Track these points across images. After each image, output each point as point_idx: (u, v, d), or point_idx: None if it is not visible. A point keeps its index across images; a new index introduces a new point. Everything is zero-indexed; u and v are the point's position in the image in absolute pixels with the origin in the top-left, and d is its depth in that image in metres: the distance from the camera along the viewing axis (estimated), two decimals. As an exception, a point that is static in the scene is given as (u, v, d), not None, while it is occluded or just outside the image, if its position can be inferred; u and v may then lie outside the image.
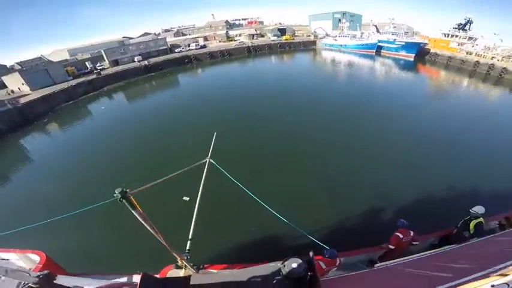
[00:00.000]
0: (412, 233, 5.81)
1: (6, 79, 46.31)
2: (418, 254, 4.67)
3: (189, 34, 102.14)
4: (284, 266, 2.83)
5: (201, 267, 5.69)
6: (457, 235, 6.11)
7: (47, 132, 32.23)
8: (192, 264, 5.42)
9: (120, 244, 11.62)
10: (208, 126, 21.91)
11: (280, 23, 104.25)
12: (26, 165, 23.49)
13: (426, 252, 4.83)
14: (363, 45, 53.45)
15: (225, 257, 10.39)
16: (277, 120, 24.50)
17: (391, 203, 12.59)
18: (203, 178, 6.38)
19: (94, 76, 51.04)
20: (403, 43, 45.34)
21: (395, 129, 20.61)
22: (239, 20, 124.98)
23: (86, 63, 58.68)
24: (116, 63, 60.86)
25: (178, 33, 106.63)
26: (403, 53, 46.15)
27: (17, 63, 53.19)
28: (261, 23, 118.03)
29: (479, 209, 5.78)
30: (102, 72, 53.28)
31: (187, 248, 5.51)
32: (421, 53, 44.14)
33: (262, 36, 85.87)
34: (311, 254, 2.97)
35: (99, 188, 15.03)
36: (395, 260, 4.37)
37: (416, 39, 45.22)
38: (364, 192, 13.52)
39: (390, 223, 10.64)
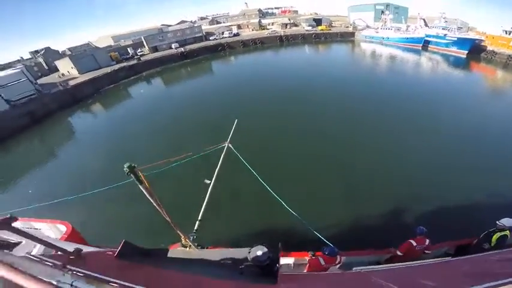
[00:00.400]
0: (427, 241, 5.49)
1: (58, 63, 51.16)
2: (409, 263, 4.26)
3: (223, 22, 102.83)
4: (250, 252, 2.82)
5: (205, 247, 5.79)
6: (476, 246, 5.75)
7: (91, 111, 35.17)
8: (196, 244, 5.51)
9: (137, 222, 11.99)
10: (233, 112, 21.80)
11: (315, 13, 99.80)
12: (71, 140, 25.82)
13: (419, 262, 4.35)
14: (407, 38, 49.68)
15: (232, 240, 10.40)
16: (304, 112, 23.52)
17: (410, 206, 11.73)
18: (220, 162, 6.64)
19: (134, 61, 54.04)
20: (455, 38, 41.15)
21: (436, 128, 18.68)
22: (272, 8, 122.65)
23: (128, 49, 61.87)
24: (155, 49, 63.34)
25: (213, 21, 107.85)
26: (454, 49, 41.91)
27: (68, 48, 57.41)
28: (295, 12, 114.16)
29: (507, 221, 5.35)
30: (142, 58, 56.08)
31: (195, 228, 5.79)
32: (475, 50, 39.69)
33: (296, 25, 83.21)
34: (280, 245, 2.96)
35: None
36: (380, 266, 4.09)
37: (471, 35, 40.96)
38: (383, 193, 12.67)
39: (403, 227, 10.25)
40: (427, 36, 46.33)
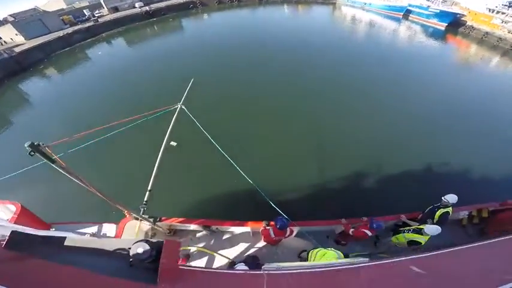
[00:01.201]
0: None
1: None
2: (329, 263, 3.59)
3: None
4: (130, 248, 2.61)
5: (158, 219, 6.05)
6: (420, 221, 6.07)
7: (44, 76, 32.26)
8: (148, 216, 5.74)
9: (91, 195, 10.71)
10: (198, 74, 20.19)
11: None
12: (23, 108, 23.79)
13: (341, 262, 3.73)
14: (390, 6, 48.72)
15: (185, 211, 9.98)
16: (274, 73, 22.71)
17: (372, 179, 11.60)
18: (171, 125, 6.26)
19: (91, 23, 48.01)
20: (437, 11, 40.96)
21: (404, 96, 18.54)
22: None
23: (84, 11, 54.80)
24: (115, 9, 56.02)
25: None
26: (434, 20, 42.19)
27: (9, 15, 49.65)
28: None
29: (451, 198, 5.62)
30: (99, 19, 50.08)
31: (145, 199, 5.54)
32: (454, 24, 40.08)
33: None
34: (164, 241, 2.68)
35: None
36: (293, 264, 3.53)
37: (453, 9, 40.47)
38: (348, 164, 12.28)
39: (362, 197, 10.35)
40: (409, 5, 46.00)
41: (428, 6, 42.35)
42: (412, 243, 5.46)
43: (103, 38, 45.40)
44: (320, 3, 60.46)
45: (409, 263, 3.14)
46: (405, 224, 6.22)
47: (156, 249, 2.58)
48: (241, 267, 4.31)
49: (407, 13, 47.05)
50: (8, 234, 2.48)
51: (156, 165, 5.75)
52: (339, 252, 4.25)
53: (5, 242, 2.55)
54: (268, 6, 58.86)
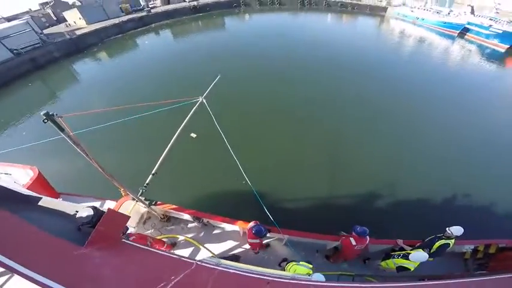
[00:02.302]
0: (367, 240, 5.39)
1: (66, 14, 50.30)
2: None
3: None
4: (77, 211, 2.83)
5: (153, 203, 6.39)
6: (417, 248, 5.72)
7: (95, 59, 35.92)
8: (144, 198, 6.07)
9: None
10: (231, 72, 22.08)
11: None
12: (73, 85, 26.87)
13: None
14: (445, 23, 44.50)
15: (182, 200, 9.87)
16: (302, 82, 22.26)
17: (378, 200, 11.18)
18: (188, 116, 6.48)
19: (144, 13, 51.94)
20: (500, 31, 36.41)
21: (440, 118, 17.08)
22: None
23: (140, 0, 59.26)
24: (167, 1, 59.73)
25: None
26: (494, 41, 37.51)
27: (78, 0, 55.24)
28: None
29: (456, 230, 5.29)
30: (152, 10, 53.94)
31: (147, 181, 5.91)
32: None
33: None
34: (107, 209, 2.87)
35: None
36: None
37: None
38: (356, 181, 11.93)
39: (362, 219, 9.60)
40: (468, 23, 41.73)
41: (490, 25, 38.18)
42: (400, 268, 5.36)
43: (152, 28, 48.81)
44: (367, 15, 57.61)
45: None
46: (402, 250, 5.98)
47: (98, 217, 2.69)
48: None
49: (463, 31, 42.96)
50: None
51: (166, 151, 6.00)
52: (310, 267, 4.19)
53: None
54: (310, 13, 57.75)
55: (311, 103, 18.95)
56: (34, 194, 3.77)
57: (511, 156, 13.81)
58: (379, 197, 11.12)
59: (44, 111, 2.95)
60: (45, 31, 44.21)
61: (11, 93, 27.05)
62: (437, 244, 5.47)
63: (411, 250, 5.45)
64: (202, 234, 6.65)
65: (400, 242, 6.03)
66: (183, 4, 58.12)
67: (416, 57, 32.85)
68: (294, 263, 4.45)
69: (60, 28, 47.18)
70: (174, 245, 6.34)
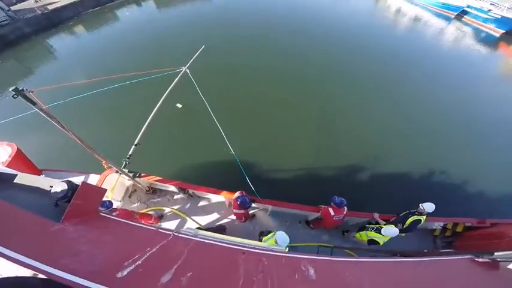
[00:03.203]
0: (345, 211, 5.64)
1: None
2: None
3: None
4: (52, 186, 2.77)
5: (137, 175, 6.32)
6: (391, 223, 5.92)
7: (72, 33, 33.61)
8: (128, 170, 5.98)
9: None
10: (211, 41, 20.78)
11: None
12: (49, 61, 25.65)
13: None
14: (444, 4, 44.07)
15: (167, 171, 9.96)
16: (295, 57, 21.70)
17: (364, 175, 11.39)
18: (171, 86, 6.47)
19: None
20: (498, 16, 36.60)
21: (429, 98, 17.26)
22: None
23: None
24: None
25: None
26: (491, 26, 37.99)
27: None
28: None
29: (428, 207, 5.44)
30: None
31: (130, 153, 5.84)
32: None
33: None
34: (81, 183, 2.77)
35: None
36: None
37: None
38: (345, 156, 12.09)
39: (343, 191, 9.71)
40: (468, 6, 41.36)
41: (490, 10, 38.19)
42: (371, 241, 5.53)
43: (133, 0, 45.41)
44: None
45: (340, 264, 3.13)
46: (377, 224, 6.12)
47: (73, 191, 2.62)
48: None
49: (461, 13, 42.94)
50: None
51: (148, 121, 5.89)
52: (287, 239, 4.13)
53: None
54: None
55: (300, 75, 18.72)
56: (9, 171, 3.63)
57: (495, 136, 14.29)
58: (361, 170, 11.37)
59: (13, 87, 3.02)
60: (13, 8, 40.44)
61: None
62: (409, 220, 5.61)
63: (384, 224, 5.58)
64: (188, 205, 6.68)
65: (376, 215, 6.16)
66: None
67: (410, 35, 32.89)
68: (270, 235, 4.44)
69: (30, 4, 42.84)
70: (161, 217, 6.34)
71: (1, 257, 1.70)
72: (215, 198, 6.77)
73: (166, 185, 6.59)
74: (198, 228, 5.81)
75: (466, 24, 40.44)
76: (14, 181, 3.18)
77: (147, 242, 2.52)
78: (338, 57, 22.09)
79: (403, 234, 5.59)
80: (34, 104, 3.28)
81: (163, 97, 6.26)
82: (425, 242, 6.86)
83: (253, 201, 5.85)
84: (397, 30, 34.16)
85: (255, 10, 36.10)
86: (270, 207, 6.33)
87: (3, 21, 32.37)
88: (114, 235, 2.82)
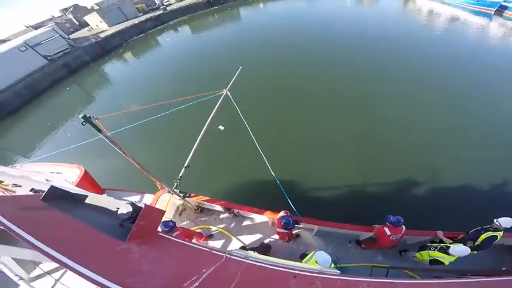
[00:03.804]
0: (403, 230, 5.22)
1: (87, 18, 53.09)
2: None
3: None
4: (118, 208, 2.96)
5: (188, 195, 6.66)
6: (459, 242, 5.34)
7: (123, 59, 37.96)
8: (179, 191, 6.35)
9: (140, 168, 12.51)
10: (250, 63, 22.22)
11: None
12: (105, 87, 28.74)
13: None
14: (479, 1, 41.53)
15: (214, 191, 10.11)
16: (325, 74, 20.72)
17: (424, 188, 10.18)
18: (214, 110, 6.73)
19: (161, 12, 53.26)
20: None
21: (485, 104, 14.83)
22: None
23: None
24: (181, -2, 60.43)
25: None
26: None
27: (95, 3, 58.01)
28: None
29: (505, 222, 4.82)
30: (167, 8, 55.09)
31: (180, 175, 6.13)
32: None
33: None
34: (143, 205, 2.97)
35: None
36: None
37: None
38: (397, 168, 11.01)
39: (400, 206, 9.13)
40: (504, 1, 38.37)
41: None
42: (434, 261, 5.01)
43: (170, 26, 50.19)
44: None
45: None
46: (441, 242, 5.58)
47: (137, 213, 2.82)
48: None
49: (501, 9, 39.73)
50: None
51: (196, 144, 6.16)
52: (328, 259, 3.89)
53: (42, 196, 3.11)
54: None
55: (340, 87, 17.87)
56: (81, 192, 4.01)
57: None
58: (418, 185, 10.26)
59: (82, 114, 3.11)
60: (71, 36, 46.61)
61: (52, 98, 29.45)
62: (483, 236, 5.05)
63: (451, 243, 5.12)
64: (233, 224, 6.83)
65: (440, 233, 5.72)
66: (197, -1, 58.58)
67: (451, 36, 29.78)
68: (309, 256, 4.28)
69: (84, 33, 49.65)
70: (210, 236, 6.58)
71: (76, 273, 1.87)
72: (259, 218, 6.82)
73: (213, 204, 6.80)
74: (243, 247, 5.98)
75: (509, 18, 36.69)
76: (85, 201, 3.59)
77: (203, 263, 2.62)
78: (379, 64, 20.85)
79: (475, 252, 5.05)
80: (100, 131, 3.41)
81: (208, 120, 6.58)
82: (502, 260, 5.99)
83: (297, 222, 5.79)
84: (435, 32, 31.57)
85: (286, 25, 36.73)
86: (315, 228, 6.18)
87: (66, 49, 37.55)
88: (172, 256, 2.96)
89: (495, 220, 5.00)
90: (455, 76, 18.54)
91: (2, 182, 7.03)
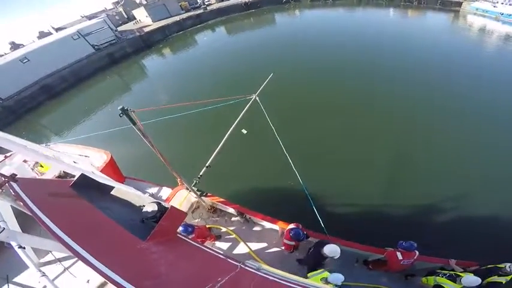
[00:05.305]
0: (416, 255, 5.09)
1: (135, 12, 57.04)
2: None
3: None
4: (143, 206, 3.04)
5: (204, 194, 6.94)
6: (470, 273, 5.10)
7: (161, 55, 40.33)
8: (196, 189, 6.57)
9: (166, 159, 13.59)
10: (283, 68, 22.12)
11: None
12: (143, 78, 31.10)
13: None
14: None
15: (229, 194, 10.17)
16: (359, 80, 20.27)
17: (440, 211, 9.81)
18: (241, 114, 6.91)
19: (201, 11, 55.64)
20: None
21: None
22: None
23: (197, -2, 63.12)
24: None
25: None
26: None
27: None
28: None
29: None
30: (208, 8, 57.28)
31: (201, 173, 6.42)
32: None
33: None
34: (168, 205, 3.08)
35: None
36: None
37: None
38: (421, 193, 10.53)
39: (415, 230, 8.82)
40: None
41: None
42: None
43: (208, 25, 52.15)
44: (438, 10, 50.20)
45: None
46: (452, 270, 5.35)
47: (162, 213, 2.89)
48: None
49: None
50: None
51: (220, 145, 6.33)
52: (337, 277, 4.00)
53: (72, 183, 3.25)
54: (369, 8, 52.16)
55: (372, 102, 17.17)
56: (107, 182, 4.06)
57: None
58: (438, 211, 9.77)
59: (121, 106, 3.12)
60: (118, 28, 50.38)
61: (93, 84, 32.36)
62: (488, 279, 4.78)
63: (461, 272, 4.86)
64: (243, 228, 6.89)
65: (452, 262, 5.45)
66: (236, 1, 59.93)
67: (506, 55, 26.07)
68: (317, 272, 4.37)
69: (129, 26, 53.42)
70: (219, 237, 6.70)
71: (91, 268, 1.84)
72: (269, 226, 6.82)
73: (227, 206, 6.96)
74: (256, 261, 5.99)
75: None
76: (111, 192, 3.70)
77: (218, 271, 2.65)
78: (420, 80, 19.33)
79: None
80: (134, 124, 3.40)
81: (235, 123, 6.72)
82: None
83: (308, 236, 5.75)
84: (487, 51, 28.38)
85: (321, 35, 35.39)
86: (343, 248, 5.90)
87: (112, 40, 40.84)
88: (189, 260, 2.99)
89: (506, 265, 4.70)
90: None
91: (42, 166, 7.48)
